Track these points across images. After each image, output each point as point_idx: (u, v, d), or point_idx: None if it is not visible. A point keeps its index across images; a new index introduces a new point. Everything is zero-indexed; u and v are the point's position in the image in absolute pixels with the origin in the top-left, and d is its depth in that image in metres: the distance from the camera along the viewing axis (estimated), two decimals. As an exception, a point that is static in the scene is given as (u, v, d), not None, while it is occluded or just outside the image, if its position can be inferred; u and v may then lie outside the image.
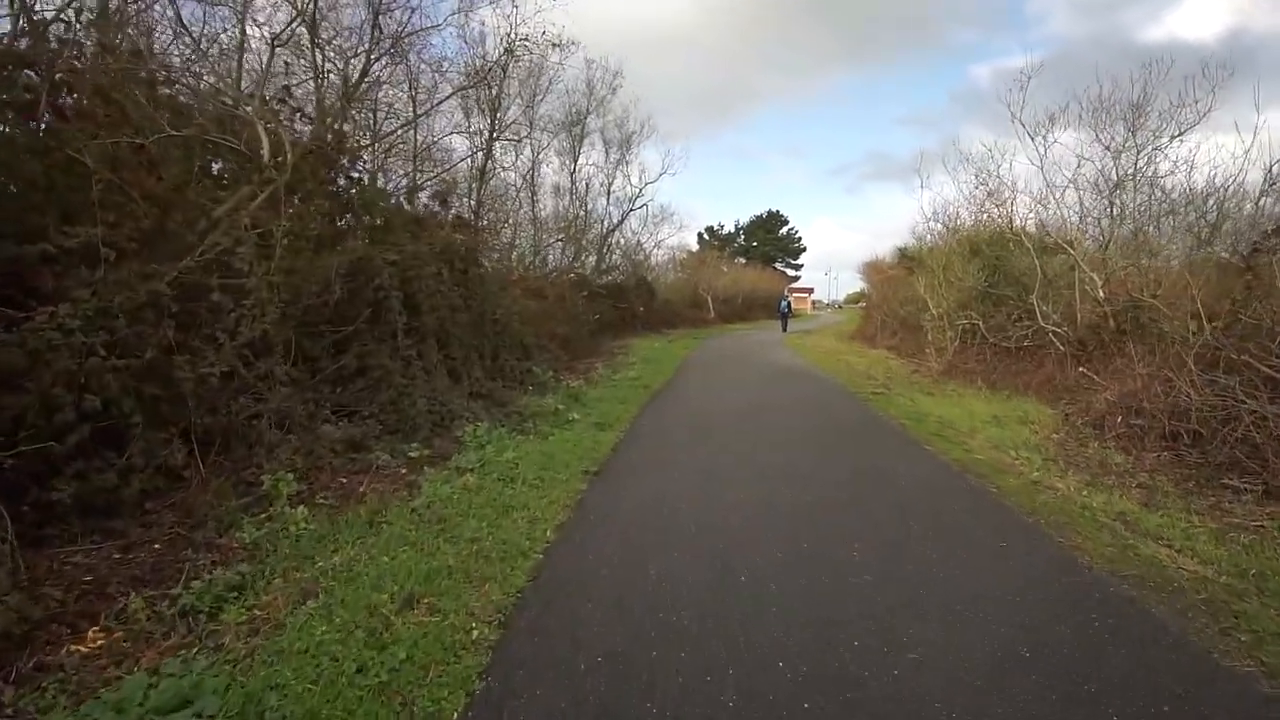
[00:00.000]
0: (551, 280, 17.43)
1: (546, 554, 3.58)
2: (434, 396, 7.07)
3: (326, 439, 5.32)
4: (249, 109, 5.74)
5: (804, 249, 73.02)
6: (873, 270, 26.44)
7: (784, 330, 31.08)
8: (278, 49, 12.22)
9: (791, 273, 71.49)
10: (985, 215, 15.12)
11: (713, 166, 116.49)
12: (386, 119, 18.41)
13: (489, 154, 19.52)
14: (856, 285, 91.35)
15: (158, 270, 4.50)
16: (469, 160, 19.77)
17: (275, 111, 6.51)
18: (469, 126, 19.03)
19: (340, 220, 8.24)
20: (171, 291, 4.47)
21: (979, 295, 14.05)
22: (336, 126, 15.43)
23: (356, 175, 8.21)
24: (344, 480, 5.00)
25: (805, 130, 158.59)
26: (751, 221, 70.94)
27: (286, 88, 7.05)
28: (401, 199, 9.24)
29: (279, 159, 5.59)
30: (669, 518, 4.22)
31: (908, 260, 18.18)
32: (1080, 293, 11.14)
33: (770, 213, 71.64)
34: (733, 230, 69.13)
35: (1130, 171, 10.84)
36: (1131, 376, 7.89)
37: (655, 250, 32.87)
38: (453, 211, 10.06)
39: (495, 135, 19.02)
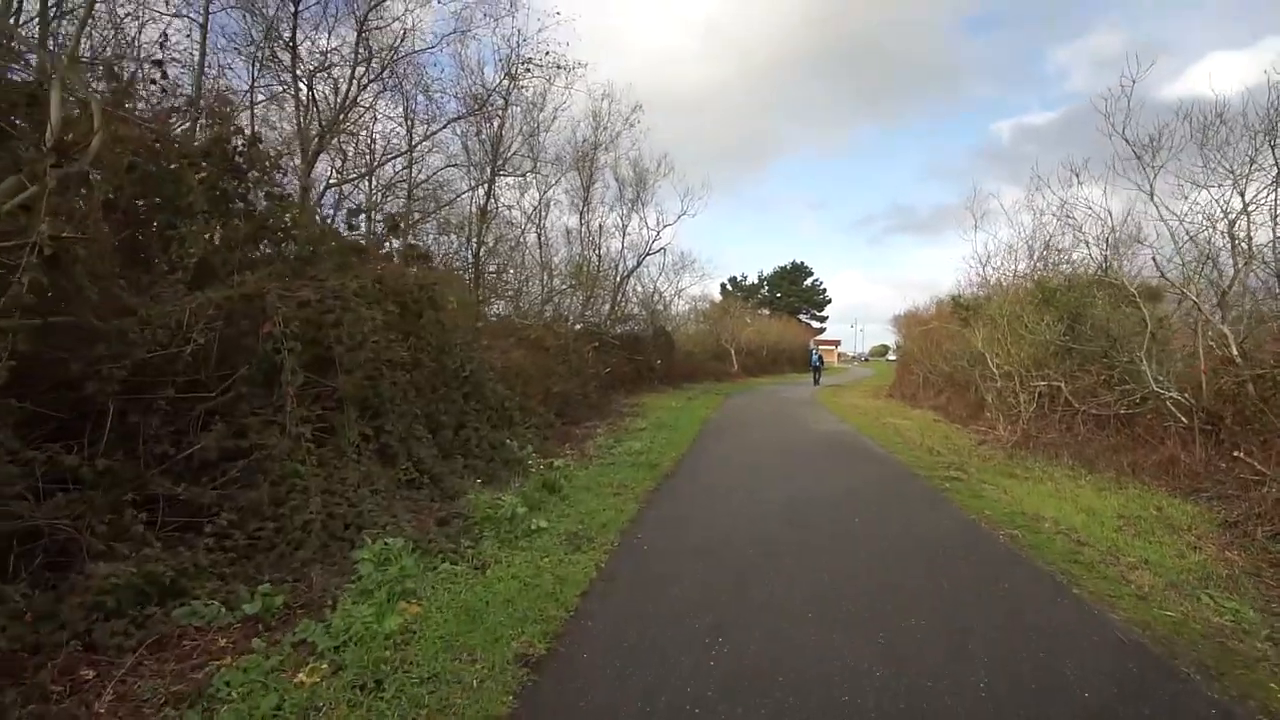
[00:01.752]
0: (553, 329, 15.41)
1: None
2: (341, 492, 4.94)
3: (94, 587, 3.18)
4: (56, 73, 3.80)
5: (829, 300, 71.06)
6: (913, 322, 24.14)
7: (816, 384, 29.46)
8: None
9: (816, 324, 69.32)
10: (1059, 256, 12.94)
11: (735, 219, 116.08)
12: (385, 156, 17.03)
13: (491, 192, 17.89)
14: (882, 338, 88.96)
15: None
16: (469, 197, 18.16)
17: (110, 83, 4.63)
18: (469, 160, 17.42)
19: (259, 247, 6.32)
20: None
21: (1058, 351, 11.73)
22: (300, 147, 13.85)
23: (277, 190, 6.28)
24: (89, 674, 2.84)
25: (828, 183, 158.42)
26: (775, 272, 69.31)
27: (158, 62, 5.18)
28: (341, 223, 7.32)
29: (69, 138, 3.63)
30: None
31: (962, 310, 15.90)
32: (1204, 350, 8.80)
33: (794, 264, 70.04)
34: (756, 281, 67.49)
35: (1263, 198, 8.58)
36: (1348, 473, 5.51)
37: (675, 299, 30.98)
38: (406, 240, 8.10)
39: (497, 170, 17.38)
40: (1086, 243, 10.04)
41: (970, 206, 15.28)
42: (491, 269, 20.28)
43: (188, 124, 5.99)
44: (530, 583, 3.89)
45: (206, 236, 5.47)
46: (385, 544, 4.29)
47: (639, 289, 26.36)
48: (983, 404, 14.75)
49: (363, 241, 6.91)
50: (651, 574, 4.21)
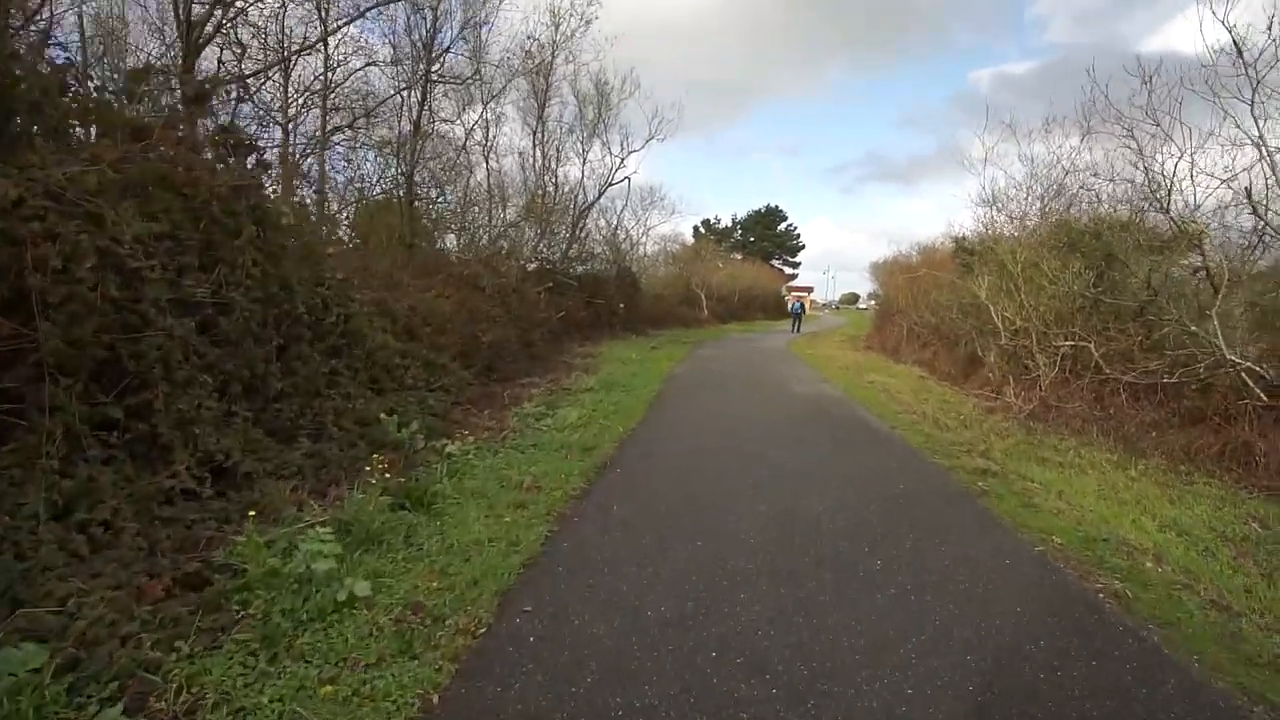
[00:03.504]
0: (492, 265, 13.11)
1: None
2: (8, 534, 2.81)
3: None
4: None
5: (802, 246, 68.95)
6: (896, 269, 22.28)
7: (797, 331, 29.28)
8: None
9: (789, 270, 67.39)
10: (1089, 194, 10.95)
11: (708, 163, 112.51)
12: (295, 49, 14.22)
13: (426, 102, 15.15)
14: (854, 285, 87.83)
15: None
16: (401, 109, 15.42)
17: None
18: (396, 56, 14.65)
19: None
20: None
21: (1085, 305, 9.88)
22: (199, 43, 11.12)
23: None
24: None
25: (803, 128, 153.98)
26: (749, 216, 66.74)
27: None
28: (113, 92, 4.89)
29: None
30: None
31: (965, 254, 13.97)
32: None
33: (769, 208, 67.47)
34: (730, 224, 64.93)
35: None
36: None
37: (644, 239, 28.52)
38: (217, 121, 5.59)
39: (432, 73, 14.64)
40: (1146, 169, 7.93)
41: (980, 135, 13.13)
42: (435, 196, 17.70)
43: None
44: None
45: None
46: (24, 647, 2.19)
47: (602, 224, 23.92)
48: (975, 361, 13.04)
49: (137, 117, 4.53)
50: None
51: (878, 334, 22.87)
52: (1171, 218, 7.88)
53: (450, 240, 18.67)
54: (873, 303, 41.93)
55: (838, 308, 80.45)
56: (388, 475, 3.84)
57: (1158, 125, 7.57)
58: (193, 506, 3.74)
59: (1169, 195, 7.71)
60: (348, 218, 16.90)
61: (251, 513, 3.11)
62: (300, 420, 5.05)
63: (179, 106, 4.97)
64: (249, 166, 4.72)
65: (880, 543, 3.95)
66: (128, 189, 4.21)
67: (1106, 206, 10.48)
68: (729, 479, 5.28)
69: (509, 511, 4.12)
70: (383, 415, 5.35)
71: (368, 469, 3.84)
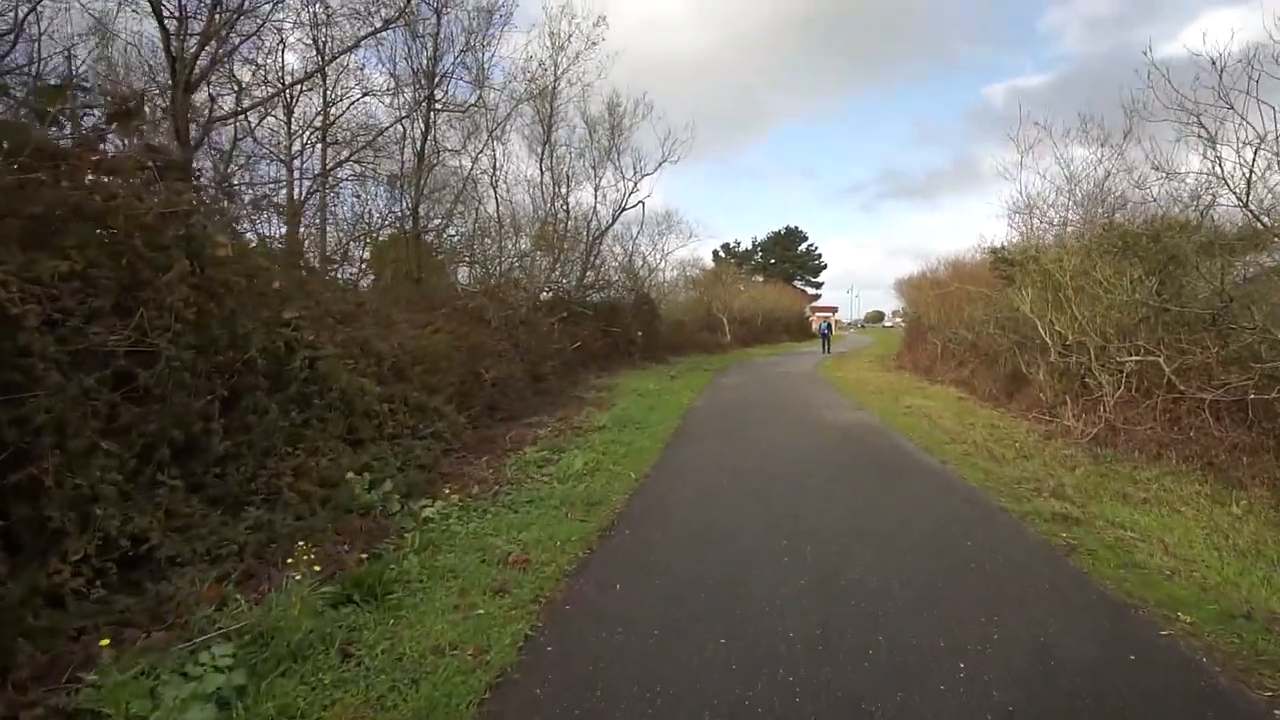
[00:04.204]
0: (499, 295, 12.44)
1: None
2: None
3: None
4: None
5: (824, 266, 67.74)
6: (925, 285, 21.36)
7: (827, 351, 29.20)
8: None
9: (811, 291, 66.26)
10: (1142, 193, 9.98)
11: (725, 189, 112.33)
12: (291, 82, 13.88)
13: (429, 131, 14.70)
14: (877, 303, 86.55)
15: None
16: (404, 139, 14.99)
17: None
18: (397, 86, 14.25)
19: None
20: None
21: (1149, 315, 8.88)
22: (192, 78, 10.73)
23: None
24: None
25: (819, 150, 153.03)
26: (769, 238, 65.95)
27: None
28: (25, 111, 4.27)
29: None
30: None
31: (1004, 265, 13.01)
32: None
33: (788, 229, 66.59)
34: (749, 247, 64.20)
35: None
36: None
37: (662, 264, 27.81)
38: (141, 140, 4.95)
39: (434, 101, 14.20)
40: (1218, 158, 7.01)
41: (1014, 136, 12.25)
42: (448, 231, 17.25)
43: None
44: None
45: None
46: None
47: (618, 251, 23.28)
48: (1020, 379, 12.00)
49: (51, 140, 3.88)
50: None
51: (909, 353, 21.91)
52: (1250, 210, 6.92)
53: (463, 273, 18.22)
54: (899, 320, 40.81)
55: (863, 326, 79.14)
56: (317, 569, 3.05)
57: (1230, 107, 6.66)
58: (89, 608, 3.01)
59: (1249, 186, 6.76)
60: (360, 255, 16.54)
61: (104, 641, 2.33)
62: (252, 484, 4.31)
63: (101, 126, 4.38)
64: (179, 191, 4.07)
65: (958, 633, 3.06)
66: (35, 221, 3.56)
67: (1161, 206, 9.52)
68: (758, 543, 4.40)
69: (485, 599, 3.30)
70: (350, 474, 4.59)
71: (290, 560, 3.05)
